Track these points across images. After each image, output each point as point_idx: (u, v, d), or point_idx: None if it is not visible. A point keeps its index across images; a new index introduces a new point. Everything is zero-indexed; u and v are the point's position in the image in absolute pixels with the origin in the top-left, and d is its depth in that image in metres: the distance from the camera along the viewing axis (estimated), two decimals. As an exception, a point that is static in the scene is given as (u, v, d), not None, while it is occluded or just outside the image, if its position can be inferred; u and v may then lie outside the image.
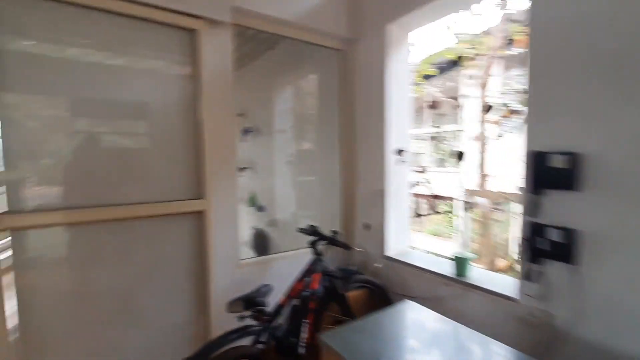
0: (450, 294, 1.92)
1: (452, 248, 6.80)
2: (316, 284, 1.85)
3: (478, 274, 1.94)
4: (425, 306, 1.59)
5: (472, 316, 1.78)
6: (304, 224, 2.07)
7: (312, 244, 1.97)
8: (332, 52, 2.57)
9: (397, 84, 2.28)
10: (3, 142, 1.43)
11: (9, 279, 1.45)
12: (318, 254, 1.96)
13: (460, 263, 1.93)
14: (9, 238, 1.45)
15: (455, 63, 5.71)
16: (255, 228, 3.77)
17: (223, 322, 2.01)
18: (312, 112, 3.14)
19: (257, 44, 3.33)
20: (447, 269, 2.03)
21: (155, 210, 1.83)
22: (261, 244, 3.69)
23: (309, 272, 1.90)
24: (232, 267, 2.10)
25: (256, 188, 3.74)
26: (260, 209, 3.83)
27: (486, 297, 1.75)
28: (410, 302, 1.57)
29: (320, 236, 1.97)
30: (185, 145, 1.94)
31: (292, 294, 1.78)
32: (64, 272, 1.64)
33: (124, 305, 1.78)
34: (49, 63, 1.56)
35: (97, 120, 1.74)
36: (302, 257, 2.37)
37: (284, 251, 2.39)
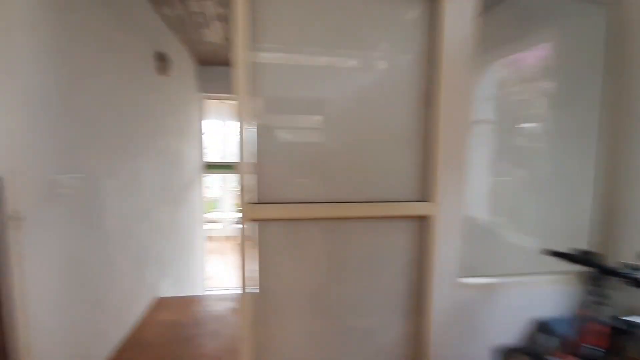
0: None
1: None
2: (606, 340, 1.28)
3: None
4: None
5: None
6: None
7: (593, 280, 1.38)
8: (588, 8, 1.85)
9: None
10: (258, 140, 1.54)
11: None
12: (601, 296, 1.36)
13: None
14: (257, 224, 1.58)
15: None
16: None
17: (443, 349, 1.71)
18: (538, 96, 2.46)
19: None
20: None
21: (377, 211, 1.64)
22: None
23: (584, 319, 1.34)
24: (452, 286, 1.74)
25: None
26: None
27: None
28: None
29: (608, 271, 1.35)
30: (414, 139, 1.66)
31: (574, 352, 1.26)
32: (288, 258, 1.65)
33: (336, 300, 1.70)
34: (288, 69, 1.59)
35: (326, 118, 1.68)
36: (538, 286, 1.83)
37: (511, 275, 1.87)
